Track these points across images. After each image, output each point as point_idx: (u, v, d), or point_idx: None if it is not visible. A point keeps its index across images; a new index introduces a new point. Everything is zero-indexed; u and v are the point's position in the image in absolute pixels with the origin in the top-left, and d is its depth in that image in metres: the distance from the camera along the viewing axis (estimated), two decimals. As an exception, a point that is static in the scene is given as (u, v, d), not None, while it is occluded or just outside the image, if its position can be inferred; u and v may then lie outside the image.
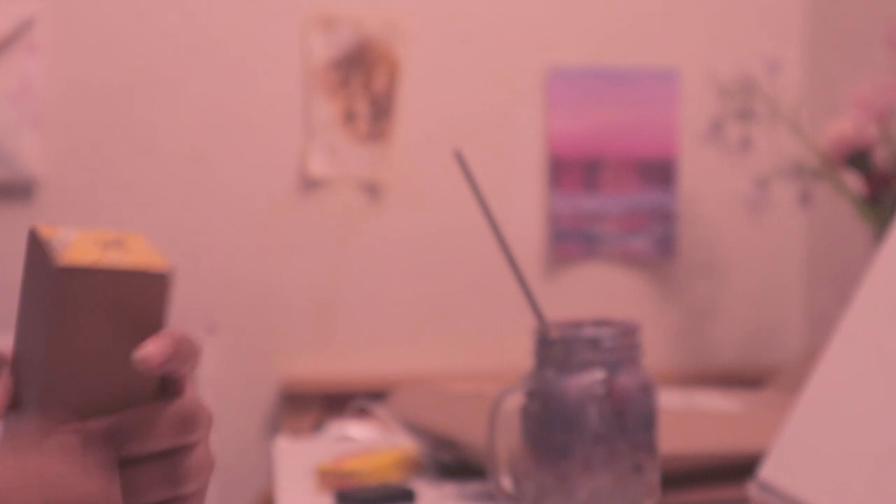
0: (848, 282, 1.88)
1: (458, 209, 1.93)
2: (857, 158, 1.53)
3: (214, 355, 1.88)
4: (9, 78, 1.81)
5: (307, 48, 1.91)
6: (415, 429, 0.97)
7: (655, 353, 1.96)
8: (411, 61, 1.94)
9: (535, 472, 0.70)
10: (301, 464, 0.98)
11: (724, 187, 1.96)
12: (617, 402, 0.68)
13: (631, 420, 0.69)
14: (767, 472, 0.67)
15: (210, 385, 1.87)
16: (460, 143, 0.95)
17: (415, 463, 0.95)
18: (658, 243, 2.01)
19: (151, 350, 0.43)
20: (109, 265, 0.44)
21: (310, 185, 1.92)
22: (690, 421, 0.94)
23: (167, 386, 0.48)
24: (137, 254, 0.46)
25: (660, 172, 2.01)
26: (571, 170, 1.99)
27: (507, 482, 0.71)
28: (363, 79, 1.92)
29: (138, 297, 0.45)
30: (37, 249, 0.45)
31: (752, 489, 0.67)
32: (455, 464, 0.93)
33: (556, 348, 0.70)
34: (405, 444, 0.98)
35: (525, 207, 1.99)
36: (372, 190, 1.94)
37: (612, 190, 1.99)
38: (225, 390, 1.90)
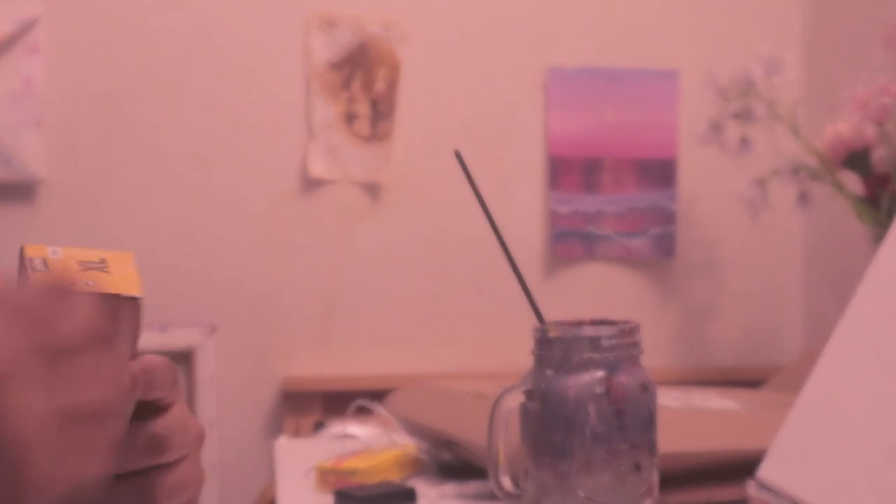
0: (846, 282, 1.88)
1: (458, 210, 1.94)
2: (856, 159, 1.53)
3: (214, 355, 1.88)
4: (10, 78, 1.82)
5: (307, 49, 1.92)
6: (415, 428, 0.97)
7: (654, 353, 1.96)
8: (412, 62, 1.94)
9: (534, 472, 0.70)
10: (301, 463, 0.99)
11: (723, 188, 1.97)
12: (616, 401, 0.69)
13: (630, 419, 0.69)
14: (766, 471, 0.67)
15: (210, 385, 1.87)
16: (460, 143, 0.95)
17: (415, 462, 0.96)
18: (657, 243, 2.02)
19: None
20: (82, 288, 0.45)
21: (310, 185, 1.93)
22: (690, 420, 0.94)
23: (144, 408, 0.49)
24: (115, 277, 0.47)
25: (659, 172, 2.01)
26: (571, 170, 1.99)
27: (507, 482, 0.71)
28: (364, 80, 1.93)
29: None
30: (22, 268, 0.46)
31: (750, 488, 0.67)
32: (455, 463, 0.94)
33: (555, 348, 0.70)
34: (405, 444, 0.98)
35: (525, 207, 1.99)
36: (372, 190, 1.95)
37: (611, 190, 2.00)
38: (225, 390, 1.90)
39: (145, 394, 0.47)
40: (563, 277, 2.01)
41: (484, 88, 1.98)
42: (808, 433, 0.66)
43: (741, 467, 0.73)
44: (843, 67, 1.91)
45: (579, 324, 0.72)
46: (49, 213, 1.85)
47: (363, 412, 0.99)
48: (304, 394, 1.88)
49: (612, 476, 0.69)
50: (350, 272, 1.94)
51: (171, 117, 1.89)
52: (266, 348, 1.92)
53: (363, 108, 1.93)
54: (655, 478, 0.71)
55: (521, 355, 0.81)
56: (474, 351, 1.97)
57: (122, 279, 0.46)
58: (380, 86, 1.93)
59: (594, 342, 0.69)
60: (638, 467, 0.69)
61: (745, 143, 1.68)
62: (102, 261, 0.47)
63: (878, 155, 1.51)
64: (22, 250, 0.47)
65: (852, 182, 1.59)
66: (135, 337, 0.48)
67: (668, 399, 1.02)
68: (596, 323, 0.72)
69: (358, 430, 1.47)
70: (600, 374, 0.69)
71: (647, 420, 0.70)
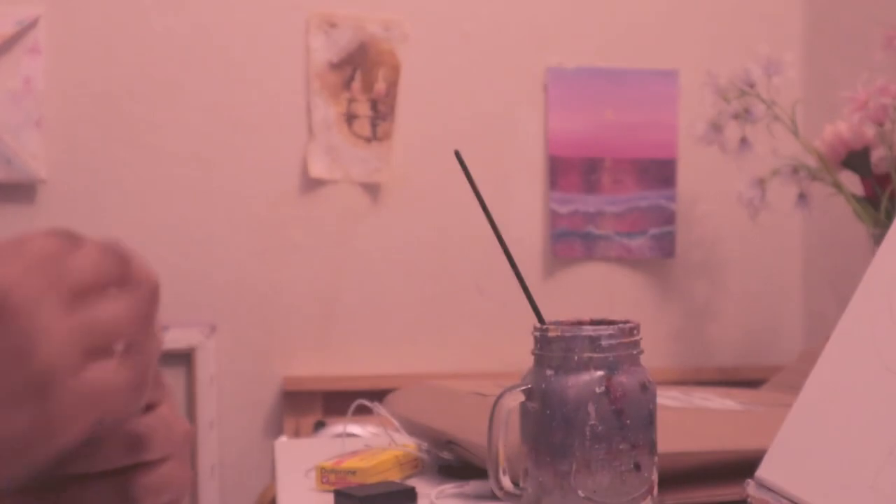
0: (846, 282, 1.89)
1: (458, 210, 1.94)
2: (856, 159, 1.53)
3: (214, 355, 1.88)
4: (10, 78, 1.82)
5: (308, 49, 1.92)
6: (415, 428, 0.97)
7: (654, 353, 1.97)
8: (412, 62, 1.94)
9: (534, 472, 0.70)
10: (302, 463, 0.99)
11: (723, 188, 1.97)
12: (616, 401, 0.69)
13: (630, 419, 0.69)
14: (765, 470, 0.67)
15: (210, 385, 1.88)
16: (460, 143, 0.95)
17: (415, 462, 0.96)
18: (657, 243, 2.02)
19: None
20: None
21: (310, 185, 1.93)
22: (690, 420, 0.94)
23: None
24: None
25: (659, 172, 2.01)
26: (571, 170, 1.99)
27: (507, 482, 0.71)
28: (364, 80, 1.93)
29: None
30: None
31: (749, 487, 0.67)
32: (455, 463, 0.94)
33: (555, 347, 0.70)
34: (405, 444, 0.98)
35: (525, 207, 1.99)
36: (372, 190, 1.95)
37: (611, 190, 2.00)
38: (225, 390, 1.90)
39: (90, 462, 0.47)
40: (563, 277, 2.01)
41: (484, 88, 1.98)
42: (807, 433, 0.66)
43: (741, 467, 0.73)
44: (843, 67, 1.91)
45: (579, 324, 0.72)
46: (49, 213, 1.85)
47: (363, 412, 0.99)
48: (304, 394, 1.89)
49: (612, 476, 0.69)
50: (350, 272, 1.94)
51: (171, 117, 1.89)
52: (266, 348, 1.92)
53: (363, 109, 1.93)
54: (655, 477, 0.71)
55: (521, 355, 0.81)
56: (474, 351, 1.97)
57: None
58: (380, 86, 1.93)
59: (594, 342, 0.70)
60: (638, 467, 0.70)
61: (744, 143, 1.68)
62: None
63: (878, 155, 1.51)
64: None
65: (852, 182, 1.59)
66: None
67: (667, 399, 1.02)
68: (596, 323, 0.72)
69: (358, 429, 1.47)
70: (600, 373, 0.69)
71: (647, 420, 0.70)
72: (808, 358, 1.24)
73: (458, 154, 0.74)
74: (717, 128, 1.68)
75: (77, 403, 0.38)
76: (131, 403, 0.42)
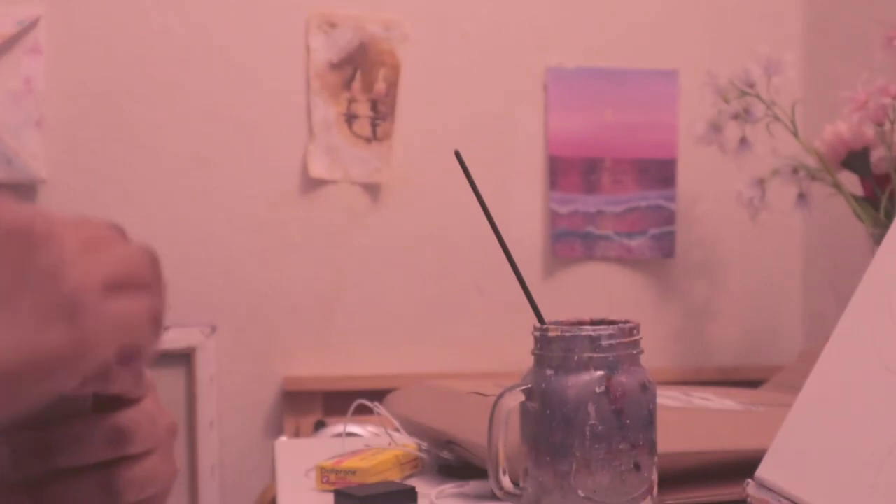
0: (846, 282, 1.89)
1: (458, 210, 1.94)
2: (855, 159, 1.53)
3: (214, 355, 1.88)
4: (10, 78, 1.82)
5: (308, 49, 1.92)
6: (415, 428, 0.97)
7: (654, 353, 1.97)
8: (412, 62, 1.94)
9: (534, 472, 0.70)
10: (302, 462, 0.99)
11: (723, 188, 1.97)
12: (616, 400, 0.69)
13: (630, 419, 0.69)
14: (765, 470, 0.67)
15: (210, 385, 1.88)
16: (460, 143, 0.95)
17: (415, 462, 0.96)
18: (657, 243, 2.02)
19: None
20: None
21: (310, 185, 1.93)
22: (690, 420, 0.94)
23: (106, 400, 0.49)
24: None
25: (659, 172, 2.01)
26: (571, 170, 1.99)
27: (507, 482, 0.71)
28: (364, 80, 1.93)
29: None
30: None
31: (749, 487, 0.68)
32: (455, 463, 0.94)
33: (555, 347, 0.70)
34: (405, 444, 0.98)
35: (525, 207, 1.99)
36: (372, 191, 1.95)
37: (611, 190, 2.00)
38: (225, 390, 1.90)
39: (103, 387, 0.47)
40: (563, 277, 2.01)
41: (484, 88, 1.98)
42: (807, 433, 0.66)
43: (741, 467, 0.73)
44: (843, 68, 1.91)
45: (579, 323, 0.72)
46: (49, 213, 1.85)
47: (363, 412, 0.99)
48: (304, 394, 1.89)
49: (612, 476, 0.69)
50: (350, 272, 1.94)
51: (171, 117, 1.89)
52: (266, 348, 1.92)
53: (363, 109, 1.93)
54: (655, 477, 0.71)
55: (521, 355, 0.81)
56: (474, 351, 1.97)
57: None
58: (380, 86, 1.93)
59: (594, 342, 0.70)
60: (638, 467, 0.70)
61: (744, 143, 1.68)
62: None
63: (878, 155, 1.51)
64: None
65: (851, 182, 1.59)
66: None
67: (667, 399, 1.02)
68: (596, 323, 0.72)
69: (358, 429, 1.47)
70: (600, 373, 0.69)
71: (647, 420, 0.70)
72: (808, 358, 1.24)
73: (458, 154, 0.74)
74: (716, 128, 1.68)
75: (105, 327, 0.40)
76: (152, 335, 0.44)
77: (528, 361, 0.73)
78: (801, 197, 1.66)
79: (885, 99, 1.42)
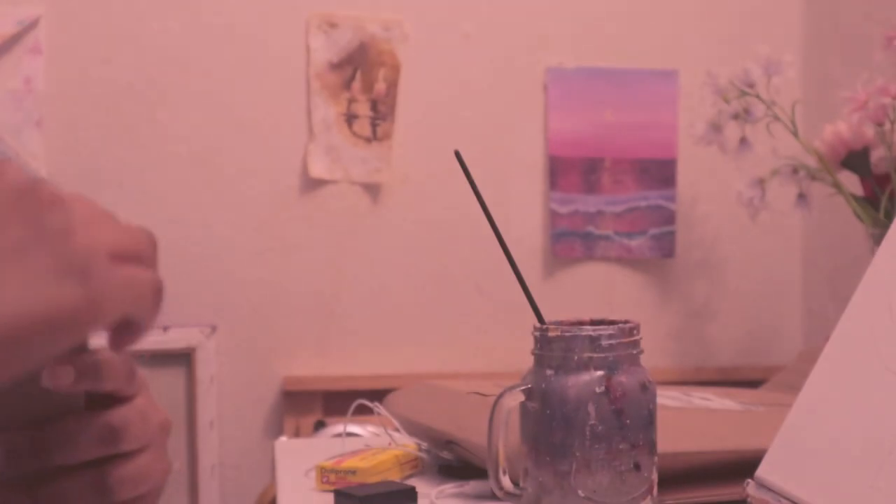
0: (846, 282, 1.89)
1: (458, 210, 1.94)
2: (855, 159, 1.53)
3: (214, 355, 1.88)
4: (10, 78, 1.82)
5: (308, 49, 1.92)
6: (415, 428, 0.97)
7: (654, 353, 1.97)
8: (412, 62, 1.94)
9: (534, 472, 0.70)
10: (301, 463, 0.99)
11: (722, 188, 1.97)
12: (616, 400, 0.69)
13: (630, 418, 0.69)
14: (765, 470, 0.67)
15: (210, 385, 1.88)
16: (460, 143, 0.95)
17: (415, 462, 0.96)
18: (657, 243, 2.02)
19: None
20: None
21: (310, 185, 1.93)
22: (689, 420, 0.94)
23: (99, 399, 0.49)
24: None
25: (659, 173, 2.01)
26: (571, 170, 1.99)
27: (507, 482, 0.71)
28: (364, 80, 1.93)
29: None
30: None
31: (749, 487, 0.68)
32: (455, 463, 0.94)
33: (555, 347, 0.70)
34: (405, 444, 0.98)
35: (525, 207, 1.99)
36: (372, 190, 1.95)
37: (611, 190, 2.00)
38: (225, 390, 1.90)
39: (95, 385, 0.48)
40: (562, 277, 2.01)
41: (484, 88, 1.98)
42: (807, 433, 0.66)
43: (741, 467, 0.73)
44: (842, 68, 1.91)
45: (579, 323, 0.72)
46: (49, 213, 1.85)
47: (363, 412, 0.99)
48: (304, 394, 1.89)
49: (611, 476, 0.69)
50: (350, 272, 1.94)
51: (172, 117, 1.89)
52: (266, 348, 1.92)
53: (363, 109, 1.93)
54: (655, 477, 0.71)
55: (521, 355, 0.81)
56: (474, 351, 1.97)
57: None
58: (380, 86, 1.93)
59: (594, 342, 0.70)
60: (638, 467, 0.70)
61: (744, 143, 1.68)
62: None
63: (877, 155, 1.51)
64: None
65: (851, 182, 1.59)
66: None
67: (667, 399, 1.02)
68: (596, 323, 0.72)
69: (358, 429, 1.47)
70: (600, 373, 0.69)
71: (647, 420, 0.70)
72: (808, 358, 1.24)
73: (458, 154, 0.74)
74: (716, 128, 1.68)
75: (114, 289, 0.41)
76: (153, 308, 0.44)
77: (528, 361, 0.73)
78: (801, 197, 1.66)
79: (885, 99, 1.42)
